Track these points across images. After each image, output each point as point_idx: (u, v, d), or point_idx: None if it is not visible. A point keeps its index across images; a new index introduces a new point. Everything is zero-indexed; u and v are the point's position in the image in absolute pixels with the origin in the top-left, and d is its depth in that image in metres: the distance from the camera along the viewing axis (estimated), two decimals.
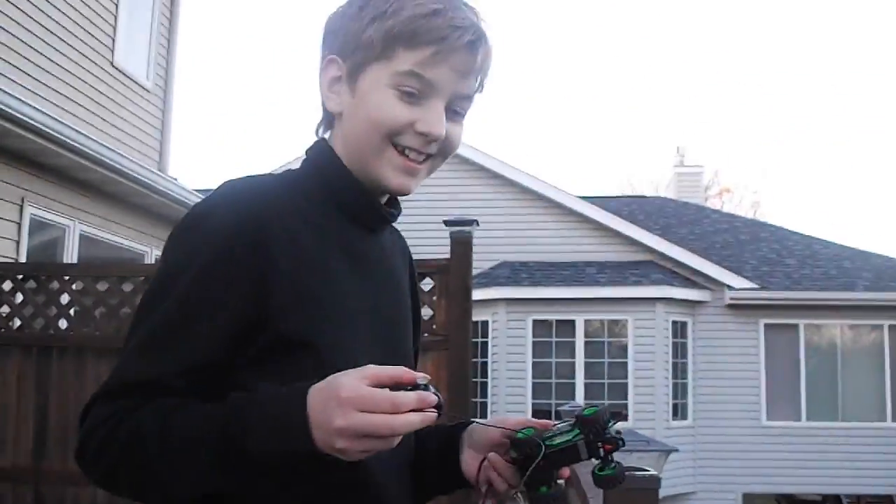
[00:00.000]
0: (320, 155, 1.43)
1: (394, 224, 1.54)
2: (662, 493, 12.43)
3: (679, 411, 15.07)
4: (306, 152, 1.45)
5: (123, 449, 1.20)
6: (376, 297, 1.42)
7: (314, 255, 1.31)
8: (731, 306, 15.39)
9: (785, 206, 61.14)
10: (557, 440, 1.35)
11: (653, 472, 2.52)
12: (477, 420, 1.47)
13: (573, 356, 14.72)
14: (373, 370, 1.12)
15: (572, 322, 14.78)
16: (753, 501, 18.13)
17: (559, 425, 1.38)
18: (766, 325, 15.57)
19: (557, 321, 14.80)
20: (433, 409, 1.13)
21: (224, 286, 1.24)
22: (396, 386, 1.12)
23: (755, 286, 15.29)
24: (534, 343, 14.76)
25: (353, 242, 1.40)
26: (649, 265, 15.40)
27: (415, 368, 1.49)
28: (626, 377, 14.61)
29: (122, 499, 1.33)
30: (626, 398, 14.49)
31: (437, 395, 1.14)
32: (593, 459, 1.37)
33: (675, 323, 15.01)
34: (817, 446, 15.27)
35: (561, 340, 14.78)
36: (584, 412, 1.35)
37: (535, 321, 14.74)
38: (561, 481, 1.40)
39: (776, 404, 15.47)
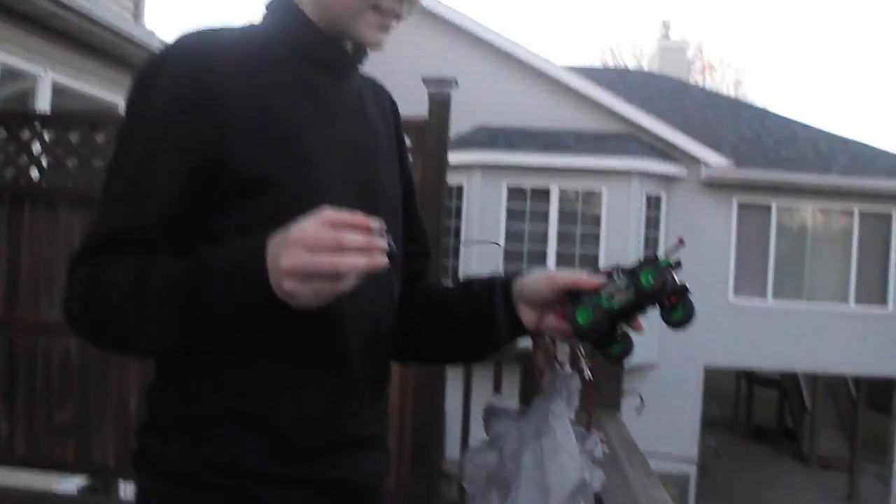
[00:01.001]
0: (281, 7, 1.40)
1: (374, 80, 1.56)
2: (626, 363, 12.85)
3: None
4: (266, 7, 1.42)
5: (102, 306, 1.23)
6: (346, 136, 1.41)
7: (274, 98, 1.31)
8: (706, 183, 15.38)
9: (767, 86, 60.82)
10: (619, 301, 1.30)
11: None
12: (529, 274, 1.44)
13: (546, 224, 14.73)
14: (328, 213, 1.10)
15: (547, 190, 14.74)
16: (714, 375, 18.56)
17: (616, 279, 1.33)
18: (739, 204, 15.62)
19: (532, 189, 14.75)
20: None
21: (183, 132, 1.24)
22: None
23: (731, 164, 15.26)
24: (508, 209, 14.73)
25: (318, 87, 1.39)
26: (628, 137, 15.30)
27: (402, 208, 1.54)
28: (597, 248, 14.67)
29: (95, 348, 1.34)
30: (597, 269, 14.56)
31: (390, 244, 1.11)
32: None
33: (649, 196, 15.01)
34: (780, 325, 15.53)
35: (535, 208, 14.76)
36: (643, 282, 1.29)
37: (509, 188, 14.68)
38: (632, 334, 1.37)
39: (744, 282, 15.65)
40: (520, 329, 1.45)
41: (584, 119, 15.56)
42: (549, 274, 1.41)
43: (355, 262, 1.07)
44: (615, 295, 1.30)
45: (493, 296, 1.45)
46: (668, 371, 15.46)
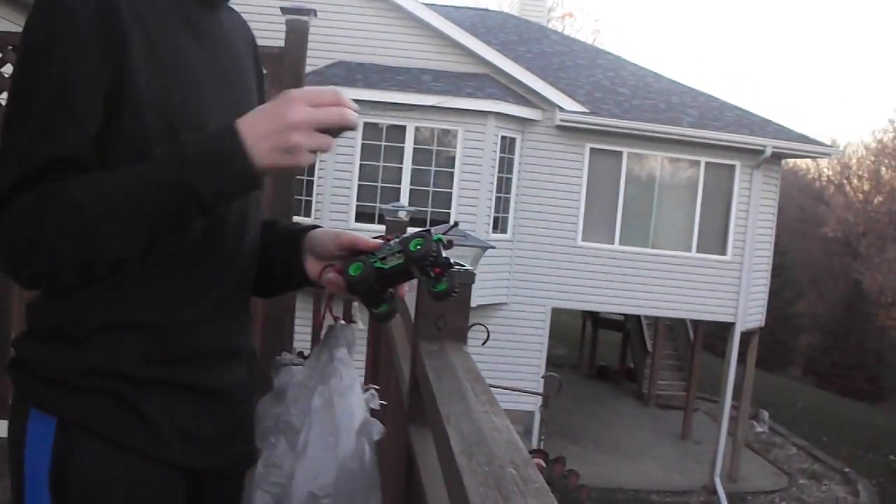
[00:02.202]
0: None
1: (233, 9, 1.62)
2: (477, 301, 12.86)
3: (499, 224, 15.41)
4: None
5: (61, 225, 1.22)
6: (222, 66, 1.48)
7: (162, 28, 1.35)
8: (560, 127, 15.59)
9: (624, 37, 61.92)
10: (390, 263, 1.43)
11: (469, 267, 2.49)
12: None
13: (401, 162, 14.71)
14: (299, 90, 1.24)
15: (403, 128, 14.70)
16: (561, 316, 19.02)
17: (391, 244, 1.46)
18: (591, 150, 15.90)
19: (388, 126, 14.68)
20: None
21: (95, 53, 1.26)
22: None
23: (585, 110, 15.51)
24: (363, 145, 14.64)
25: (196, 18, 1.44)
26: (485, 79, 15.34)
27: None
28: (451, 187, 14.75)
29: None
30: (449, 207, 14.67)
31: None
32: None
33: (504, 138, 15.13)
34: (626, 269, 15.98)
35: (390, 145, 14.71)
36: (411, 247, 1.42)
37: (365, 123, 14.56)
38: (397, 297, 1.51)
39: (592, 226, 16.00)
40: (304, 278, 1.58)
41: (443, 58, 15.52)
42: (338, 232, 1.55)
43: (355, 111, 1.25)
44: (387, 257, 1.43)
45: (287, 243, 1.60)
46: (516, 311, 15.75)
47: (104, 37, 1.26)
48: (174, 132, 1.30)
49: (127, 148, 1.29)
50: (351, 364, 1.55)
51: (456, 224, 1.69)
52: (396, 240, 1.46)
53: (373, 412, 1.57)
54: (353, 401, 1.52)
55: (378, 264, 1.44)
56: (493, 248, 13.46)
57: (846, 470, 18.84)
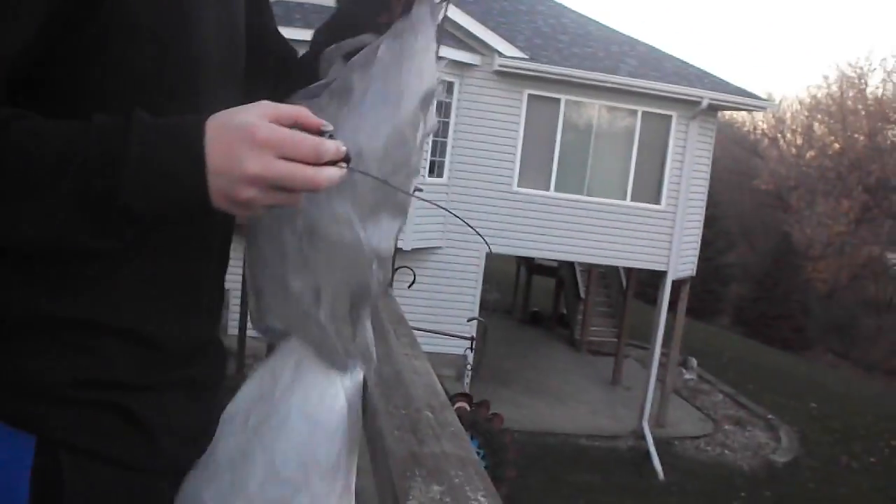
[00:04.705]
0: None
1: None
2: (412, 245, 12.80)
3: (436, 168, 15.38)
4: None
5: None
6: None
7: None
8: (498, 73, 15.54)
9: None
10: None
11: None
12: None
13: None
14: (269, 107, 0.95)
15: None
16: (495, 261, 19.11)
17: None
18: (529, 96, 15.89)
19: None
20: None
21: None
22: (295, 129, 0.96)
23: (525, 56, 15.47)
24: None
25: None
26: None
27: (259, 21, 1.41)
28: None
29: None
30: None
31: (345, 145, 0.97)
32: None
33: (442, 81, 15.02)
34: (561, 216, 16.07)
35: None
36: None
37: None
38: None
39: (528, 173, 16.04)
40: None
41: None
42: None
43: (331, 176, 0.95)
44: None
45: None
46: (450, 255, 15.79)
47: None
48: (169, 65, 1.06)
49: (114, 83, 1.04)
50: (430, 24, 1.29)
51: None
52: None
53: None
54: (425, 65, 1.26)
55: None
56: (421, 190, 13.40)
57: (769, 417, 19.31)
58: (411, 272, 3.98)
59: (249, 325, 1.41)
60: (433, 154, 15.17)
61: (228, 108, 0.97)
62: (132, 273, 1.12)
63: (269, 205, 0.96)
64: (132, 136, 0.93)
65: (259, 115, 0.94)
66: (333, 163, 0.96)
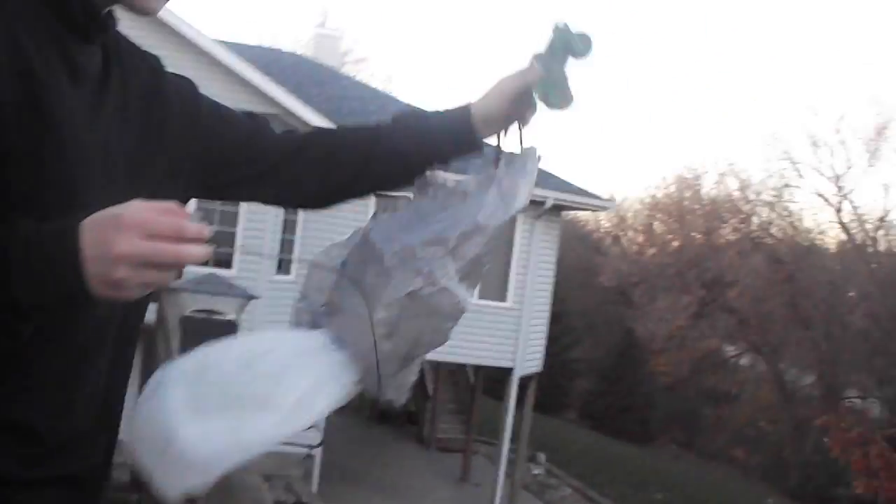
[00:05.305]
0: None
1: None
2: None
3: (283, 267, 15.30)
4: None
5: None
6: (103, 108, 1.30)
7: (29, 57, 1.16)
8: None
9: (417, 84, 63.04)
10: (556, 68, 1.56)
11: (232, 317, 2.51)
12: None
13: None
14: (141, 202, 1.03)
15: None
16: None
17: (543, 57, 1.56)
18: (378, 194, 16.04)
19: None
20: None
21: None
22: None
23: None
24: None
25: (72, 52, 1.24)
26: (275, 119, 15.23)
27: (212, 122, 1.56)
28: (235, 226, 14.54)
29: None
30: (232, 246, 14.45)
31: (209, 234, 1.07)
32: None
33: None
34: None
35: None
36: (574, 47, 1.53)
37: None
38: None
39: None
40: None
41: (233, 96, 15.31)
42: (500, 87, 1.59)
43: (196, 252, 1.03)
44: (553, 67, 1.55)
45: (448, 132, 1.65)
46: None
47: None
48: (41, 195, 1.13)
49: None
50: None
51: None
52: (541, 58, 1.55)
53: None
54: (494, 198, 1.51)
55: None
56: (258, 297, 13.28)
57: None
58: None
59: None
60: (281, 251, 15.09)
61: None
62: (16, 368, 1.19)
63: (143, 284, 1.02)
64: (17, 240, 1.03)
65: (129, 206, 1.03)
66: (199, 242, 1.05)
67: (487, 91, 1.59)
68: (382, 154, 1.64)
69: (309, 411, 1.32)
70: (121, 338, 1.38)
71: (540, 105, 1.58)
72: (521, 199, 1.49)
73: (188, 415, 1.17)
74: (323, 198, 1.72)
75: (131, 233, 1.00)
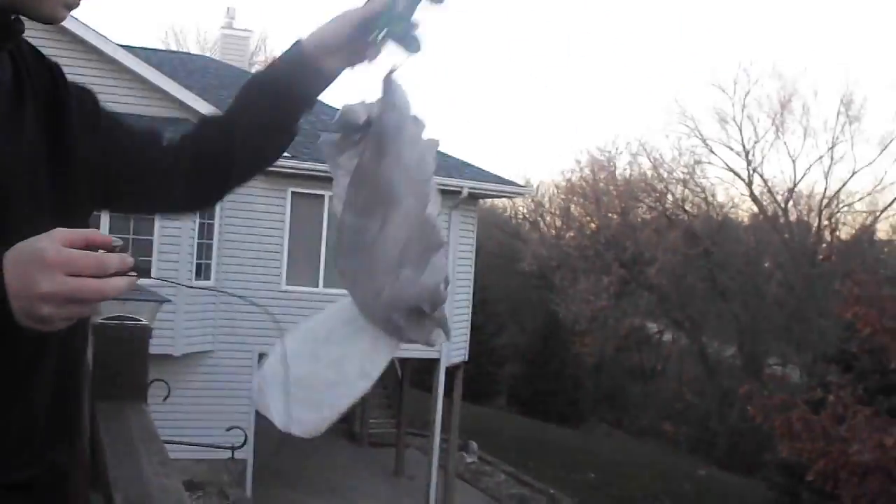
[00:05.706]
0: None
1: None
2: (182, 350, 12.40)
3: (202, 271, 15.15)
4: None
5: None
6: (27, 133, 1.31)
7: None
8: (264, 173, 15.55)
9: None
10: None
11: (145, 321, 2.50)
12: None
13: None
14: (63, 232, 1.03)
15: None
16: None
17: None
18: (293, 193, 15.99)
19: None
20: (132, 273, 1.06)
21: None
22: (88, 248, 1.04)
23: (287, 154, 15.55)
24: None
25: None
26: (185, 123, 15.03)
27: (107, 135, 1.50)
28: (152, 234, 14.37)
29: None
30: (150, 255, 14.27)
31: (132, 257, 1.07)
32: None
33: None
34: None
35: None
36: None
37: None
38: None
39: (296, 270, 16.06)
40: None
41: (143, 102, 15.11)
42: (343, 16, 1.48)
43: (119, 285, 1.03)
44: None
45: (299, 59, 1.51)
46: (222, 357, 15.52)
47: None
48: None
49: None
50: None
51: None
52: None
53: None
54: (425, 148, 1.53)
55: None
56: (169, 301, 13.15)
57: (551, 491, 19.82)
58: (167, 385, 3.92)
59: None
60: (199, 257, 14.94)
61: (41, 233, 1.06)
62: None
63: (68, 317, 1.04)
64: None
65: (51, 240, 1.02)
66: (123, 273, 1.05)
67: (332, 18, 1.51)
68: (242, 137, 1.60)
69: (369, 376, 1.52)
70: (68, 346, 1.40)
71: (385, 44, 1.49)
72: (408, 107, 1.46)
73: (287, 408, 1.44)
74: (205, 200, 1.73)
75: (54, 272, 1.00)
